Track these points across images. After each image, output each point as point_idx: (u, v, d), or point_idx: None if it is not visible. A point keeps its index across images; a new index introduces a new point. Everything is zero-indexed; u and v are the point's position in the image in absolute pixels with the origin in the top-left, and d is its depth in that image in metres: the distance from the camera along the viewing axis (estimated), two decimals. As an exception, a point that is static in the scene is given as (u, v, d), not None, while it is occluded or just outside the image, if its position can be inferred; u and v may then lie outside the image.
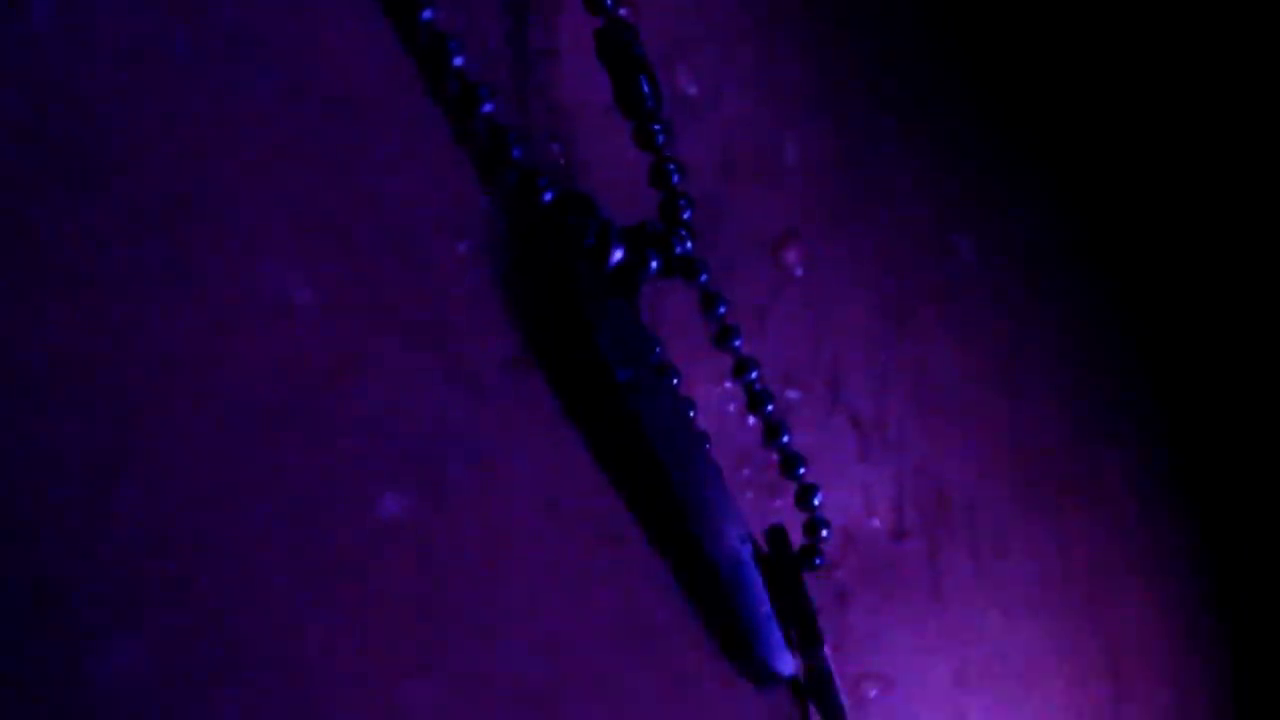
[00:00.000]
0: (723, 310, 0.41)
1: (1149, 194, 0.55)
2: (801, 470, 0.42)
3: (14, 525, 0.28)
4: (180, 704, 0.29)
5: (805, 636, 0.41)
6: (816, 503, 0.42)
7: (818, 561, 0.42)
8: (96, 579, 0.29)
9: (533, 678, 0.33)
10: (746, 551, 0.40)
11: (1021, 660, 0.49)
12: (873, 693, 0.45)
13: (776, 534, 0.42)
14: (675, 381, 0.40)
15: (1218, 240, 0.55)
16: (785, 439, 0.42)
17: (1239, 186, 0.56)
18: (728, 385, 0.43)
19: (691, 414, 0.41)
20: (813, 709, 0.41)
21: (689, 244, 0.41)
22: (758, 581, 0.40)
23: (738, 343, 0.41)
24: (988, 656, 0.48)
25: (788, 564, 0.41)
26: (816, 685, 0.41)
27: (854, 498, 0.46)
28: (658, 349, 0.40)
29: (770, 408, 0.42)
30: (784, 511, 0.43)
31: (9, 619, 0.28)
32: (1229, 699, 0.54)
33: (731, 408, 0.44)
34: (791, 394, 0.46)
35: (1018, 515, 0.49)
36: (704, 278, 0.41)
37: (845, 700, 0.41)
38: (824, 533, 0.42)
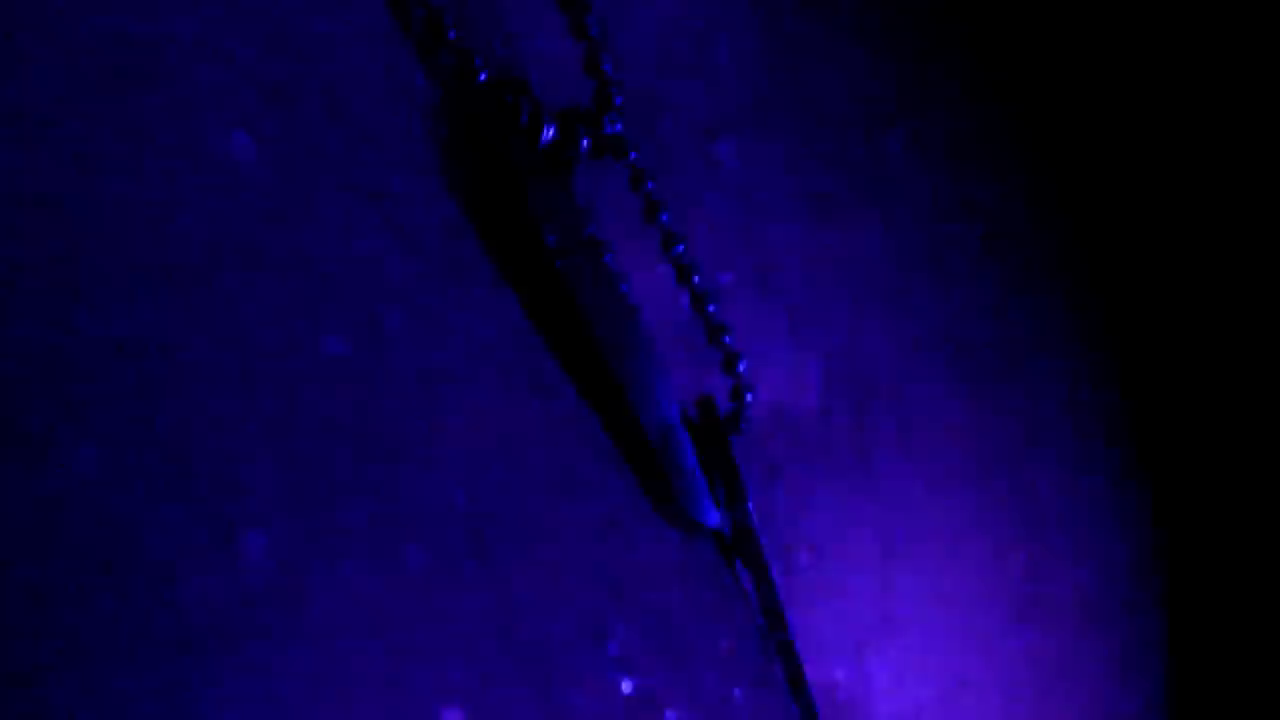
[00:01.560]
0: (650, 186, 0.43)
1: (1075, 87, 0.57)
2: (727, 339, 0.45)
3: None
4: (129, 508, 0.31)
5: (731, 494, 0.43)
6: (741, 369, 0.45)
7: (743, 425, 0.44)
8: (58, 393, 0.31)
9: (459, 508, 0.36)
10: (674, 412, 0.42)
11: (945, 532, 0.51)
12: (804, 560, 0.48)
13: (705, 402, 0.44)
14: (608, 257, 0.43)
15: (1139, 134, 0.57)
16: (711, 308, 0.44)
17: (1163, 86, 0.58)
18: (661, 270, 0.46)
19: (624, 288, 0.43)
20: (738, 560, 0.44)
21: (619, 125, 0.43)
22: (685, 440, 0.42)
23: (665, 216, 0.44)
24: (913, 528, 0.51)
25: (714, 427, 0.44)
26: (741, 538, 0.43)
27: (784, 376, 0.49)
28: (591, 226, 0.42)
29: (697, 279, 0.44)
30: (718, 390, 0.46)
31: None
32: (1150, 574, 0.56)
33: (669, 293, 0.46)
34: (724, 277, 0.48)
35: (943, 393, 0.52)
36: (633, 155, 0.43)
37: (768, 553, 0.44)
38: (748, 397, 0.44)
